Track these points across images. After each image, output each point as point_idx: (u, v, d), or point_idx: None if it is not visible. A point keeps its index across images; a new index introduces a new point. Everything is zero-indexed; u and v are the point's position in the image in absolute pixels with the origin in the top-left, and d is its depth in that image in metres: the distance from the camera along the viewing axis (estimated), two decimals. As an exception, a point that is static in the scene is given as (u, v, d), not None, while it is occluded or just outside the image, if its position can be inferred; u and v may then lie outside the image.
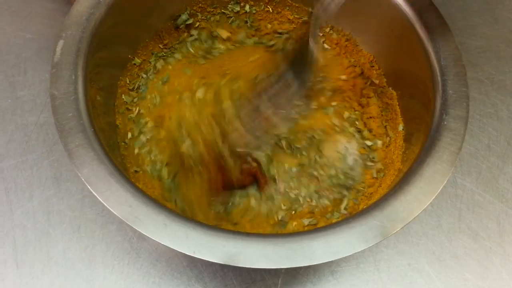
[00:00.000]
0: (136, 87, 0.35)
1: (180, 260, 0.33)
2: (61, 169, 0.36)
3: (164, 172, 0.33)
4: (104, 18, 0.30)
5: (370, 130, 0.36)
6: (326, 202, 0.33)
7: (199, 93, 0.35)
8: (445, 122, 0.28)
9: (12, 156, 0.36)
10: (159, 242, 0.23)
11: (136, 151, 0.33)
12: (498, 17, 0.45)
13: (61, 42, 0.28)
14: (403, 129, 0.33)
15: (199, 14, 0.38)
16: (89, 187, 0.24)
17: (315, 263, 0.23)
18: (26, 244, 0.33)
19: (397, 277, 0.33)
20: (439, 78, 0.29)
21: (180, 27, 0.37)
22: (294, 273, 0.33)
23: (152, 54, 0.37)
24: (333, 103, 0.37)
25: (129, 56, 0.35)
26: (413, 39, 0.31)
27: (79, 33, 0.29)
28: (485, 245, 0.35)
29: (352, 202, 0.33)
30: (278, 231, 0.32)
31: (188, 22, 0.37)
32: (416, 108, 0.32)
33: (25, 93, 0.39)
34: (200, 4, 0.37)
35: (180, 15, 0.37)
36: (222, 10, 0.38)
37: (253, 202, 0.33)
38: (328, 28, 0.38)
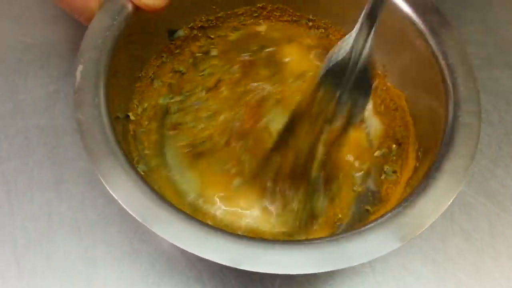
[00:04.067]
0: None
1: (179, 261, 0.33)
2: (62, 171, 0.36)
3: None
4: (118, 39, 0.30)
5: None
6: None
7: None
8: (460, 118, 0.28)
9: (13, 159, 0.36)
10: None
11: None
12: (490, 25, 0.46)
13: (80, 67, 0.28)
14: (413, 127, 0.34)
15: (199, 29, 0.38)
16: (127, 209, 0.24)
17: (353, 265, 0.23)
18: (26, 246, 0.33)
19: (392, 278, 0.34)
20: (448, 76, 0.30)
21: (177, 43, 0.37)
22: (291, 273, 0.34)
23: (159, 71, 0.37)
24: None
25: (139, 75, 0.35)
26: (418, 39, 0.32)
27: (97, 56, 0.29)
28: (477, 246, 0.35)
29: None
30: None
31: (191, 42, 0.38)
32: (426, 107, 0.32)
33: (26, 97, 0.39)
34: (204, 19, 0.37)
35: (177, 30, 0.37)
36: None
37: None
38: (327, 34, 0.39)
